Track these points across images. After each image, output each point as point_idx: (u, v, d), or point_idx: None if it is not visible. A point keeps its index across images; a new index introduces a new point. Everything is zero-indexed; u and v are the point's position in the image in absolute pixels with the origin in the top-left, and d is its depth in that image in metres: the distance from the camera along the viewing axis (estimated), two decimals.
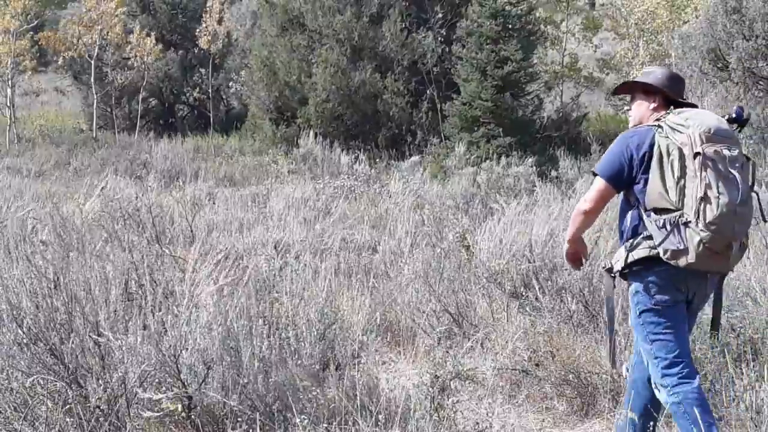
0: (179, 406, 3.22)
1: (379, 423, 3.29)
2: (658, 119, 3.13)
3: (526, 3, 16.94)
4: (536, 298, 4.86)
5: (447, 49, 18.30)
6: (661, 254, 2.98)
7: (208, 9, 22.17)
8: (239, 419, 3.30)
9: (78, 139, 21.05)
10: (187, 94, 24.26)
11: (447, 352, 4.40)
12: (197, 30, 22.52)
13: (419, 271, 5.65)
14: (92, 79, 21.54)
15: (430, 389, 3.51)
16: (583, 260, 3.37)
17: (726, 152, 2.96)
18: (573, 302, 4.70)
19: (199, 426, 3.29)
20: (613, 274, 3.18)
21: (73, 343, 3.28)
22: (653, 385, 3.10)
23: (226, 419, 3.32)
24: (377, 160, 16.81)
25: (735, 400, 3.56)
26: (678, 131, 3.01)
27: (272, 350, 3.53)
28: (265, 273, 4.78)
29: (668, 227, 2.97)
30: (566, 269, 5.05)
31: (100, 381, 3.20)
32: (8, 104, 20.95)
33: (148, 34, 22.14)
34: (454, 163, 14.74)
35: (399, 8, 18.32)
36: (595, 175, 3.17)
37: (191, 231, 6.31)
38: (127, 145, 19.92)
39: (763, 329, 4.00)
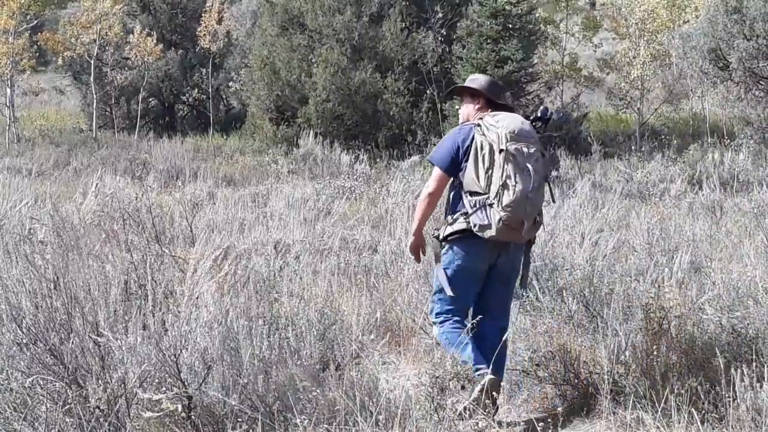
0: (179, 406, 3.21)
1: (379, 423, 3.28)
2: (481, 118, 3.86)
3: (526, 3, 16.94)
4: (536, 298, 4.85)
5: (447, 49, 18.30)
6: (473, 227, 3.73)
7: (208, 9, 22.17)
8: (239, 419, 3.29)
9: (78, 138, 21.04)
10: (187, 94, 24.25)
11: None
12: (197, 29, 22.52)
13: (419, 271, 5.64)
14: (92, 79, 21.54)
15: (430, 389, 3.51)
16: (422, 253, 4.04)
17: (525, 149, 3.71)
18: (573, 302, 4.69)
19: (199, 426, 3.28)
20: (440, 240, 3.89)
21: (72, 343, 3.28)
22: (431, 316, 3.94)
23: (226, 419, 3.31)
24: (377, 160, 16.81)
25: (735, 401, 3.56)
26: (491, 131, 3.74)
27: (272, 350, 3.52)
28: (265, 273, 4.78)
29: (477, 206, 3.73)
30: (566, 269, 5.05)
31: (99, 381, 3.19)
32: (7, 104, 20.95)
33: (149, 34, 22.14)
34: None
35: (399, 8, 18.32)
36: (432, 165, 3.92)
37: (191, 231, 6.31)
38: (126, 145, 19.91)
39: (764, 329, 4.00)
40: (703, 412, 3.61)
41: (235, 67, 23.89)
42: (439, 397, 3.48)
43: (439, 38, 18.50)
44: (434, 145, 16.80)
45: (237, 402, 3.31)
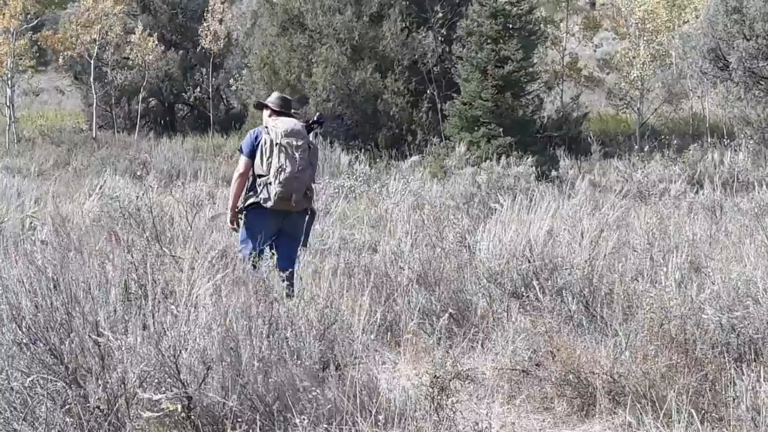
0: (179, 407, 3.21)
1: (378, 423, 3.28)
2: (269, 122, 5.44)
3: (526, 2, 16.94)
4: (536, 298, 4.85)
5: (447, 49, 18.31)
6: (261, 201, 5.23)
7: (209, 9, 22.18)
8: (239, 419, 3.29)
9: (78, 138, 21.04)
10: (187, 94, 24.24)
11: (447, 352, 4.39)
12: (199, 30, 22.52)
13: (419, 271, 5.64)
14: (92, 79, 21.53)
15: (430, 389, 3.51)
16: (236, 224, 5.43)
17: (294, 143, 5.23)
18: (573, 302, 4.69)
19: (199, 426, 3.28)
20: (240, 210, 5.36)
21: (72, 343, 3.28)
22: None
23: (226, 419, 3.31)
24: (377, 160, 16.81)
25: (735, 400, 3.56)
26: (272, 131, 5.28)
27: (272, 350, 3.52)
28: (265, 273, 4.78)
29: (263, 185, 5.23)
30: (566, 269, 5.05)
31: (99, 381, 3.19)
32: (8, 104, 20.94)
33: (150, 34, 22.13)
34: (454, 163, 14.74)
35: (399, 8, 18.32)
36: (241, 152, 5.46)
37: (191, 231, 6.31)
38: (127, 145, 19.93)
39: (764, 329, 3.99)
40: (703, 412, 3.61)
41: (235, 66, 23.90)
42: (438, 397, 3.48)
43: (439, 38, 18.52)
44: (434, 145, 16.94)
45: (236, 402, 3.31)
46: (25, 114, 24.88)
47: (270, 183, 5.17)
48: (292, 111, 5.75)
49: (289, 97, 5.88)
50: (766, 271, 4.46)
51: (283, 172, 5.14)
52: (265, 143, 5.24)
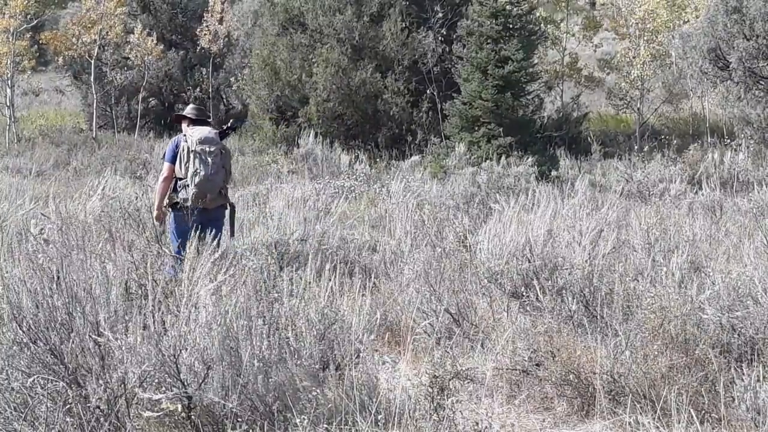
0: (179, 406, 3.21)
1: (378, 423, 3.29)
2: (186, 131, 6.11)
3: (526, 2, 16.93)
4: (536, 298, 4.85)
5: (447, 49, 18.31)
6: (181, 201, 5.87)
7: (209, 9, 22.17)
8: (239, 419, 3.29)
9: (78, 138, 21.02)
10: (187, 94, 24.22)
11: (447, 352, 4.39)
12: (198, 30, 22.51)
13: (419, 271, 5.64)
14: (92, 79, 21.53)
15: (430, 389, 3.51)
16: (163, 221, 6.03)
17: (207, 149, 5.88)
18: (573, 302, 4.69)
19: (199, 426, 3.28)
20: (165, 207, 6.01)
21: (73, 343, 3.28)
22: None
23: (226, 419, 3.31)
24: (377, 159, 16.81)
25: (735, 400, 3.56)
26: (189, 139, 5.93)
27: (272, 350, 3.52)
28: (265, 273, 4.78)
29: (182, 187, 5.88)
30: (566, 269, 5.05)
31: (100, 381, 3.19)
32: (8, 104, 20.93)
33: (150, 34, 22.12)
34: (455, 163, 14.73)
35: (399, 8, 18.32)
36: (164, 159, 6.12)
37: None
38: (126, 144, 19.90)
39: (764, 329, 4.00)
40: (703, 412, 3.61)
41: (235, 66, 23.89)
42: (438, 397, 3.48)
43: (439, 38, 18.52)
44: (434, 144, 16.95)
45: (237, 402, 3.31)
46: (25, 114, 24.86)
47: (188, 185, 5.85)
48: (208, 118, 6.54)
49: (203, 107, 6.73)
50: (766, 271, 4.46)
51: (197, 176, 5.82)
52: (183, 150, 5.93)
